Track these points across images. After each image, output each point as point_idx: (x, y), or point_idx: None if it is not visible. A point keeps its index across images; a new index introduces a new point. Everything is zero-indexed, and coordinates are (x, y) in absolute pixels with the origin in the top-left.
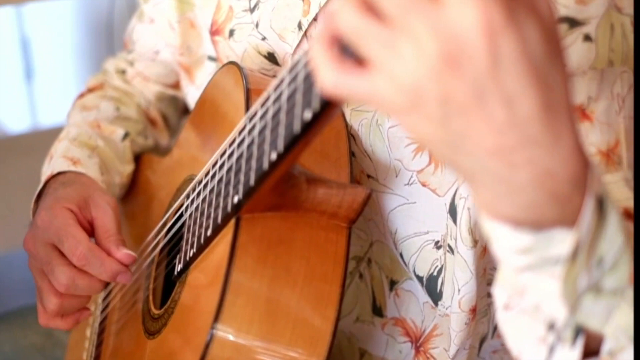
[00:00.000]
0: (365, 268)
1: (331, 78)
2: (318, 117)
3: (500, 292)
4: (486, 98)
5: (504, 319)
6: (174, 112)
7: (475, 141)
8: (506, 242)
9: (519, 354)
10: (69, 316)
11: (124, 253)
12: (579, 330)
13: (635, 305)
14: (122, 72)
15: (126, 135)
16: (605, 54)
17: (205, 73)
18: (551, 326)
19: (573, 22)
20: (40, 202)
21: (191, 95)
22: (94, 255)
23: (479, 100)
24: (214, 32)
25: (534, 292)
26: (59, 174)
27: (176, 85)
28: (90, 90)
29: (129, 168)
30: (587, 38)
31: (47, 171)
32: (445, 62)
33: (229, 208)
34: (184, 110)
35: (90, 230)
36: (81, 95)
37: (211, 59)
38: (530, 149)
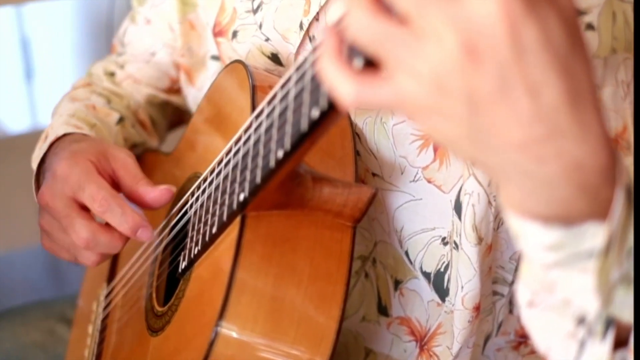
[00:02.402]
0: (370, 267)
1: (352, 92)
2: (326, 116)
3: (523, 289)
4: (511, 89)
5: (528, 316)
6: (163, 118)
7: (502, 136)
8: (535, 239)
9: (547, 350)
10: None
11: (161, 189)
12: (609, 323)
13: (635, 305)
14: (111, 75)
15: (120, 119)
16: (609, 42)
17: (208, 73)
18: (581, 321)
19: None
20: (53, 158)
21: (192, 96)
22: (115, 202)
23: (503, 92)
24: (217, 33)
25: (564, 288)
26: (64, 135)
27: (168, 90)
28: (76, 88)
29: None
30: (590, 27)
31: (46, 143)
32: (467, 55)
33: (235, 206)
34: (173, 117)
35: (111, 184)
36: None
37: (214, 58)
38: (558, 140)
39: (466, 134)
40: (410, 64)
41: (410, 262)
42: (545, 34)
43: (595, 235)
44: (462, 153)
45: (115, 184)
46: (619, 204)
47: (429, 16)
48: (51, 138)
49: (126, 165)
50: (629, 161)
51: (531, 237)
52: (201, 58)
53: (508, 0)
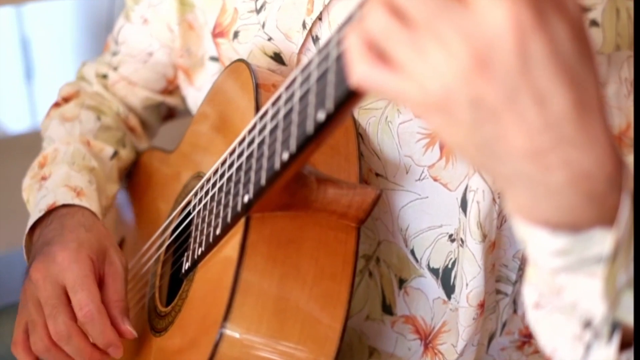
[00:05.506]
0: (374, 266)
1: (363, 70)
2: (332, 118)
3: (530, 291)
4: (518, 99)
5: (534, 317)
6: (156, 119)
7: (509, 144)
8: (542, 245)
9: (553, 352)
10: None
11: (127, 328)
12: (615, 327)
13: (635, 306)
14: (103, 77)
15: (114, 154)
16: (613, 38)
17: (207, 74)
18: (587, 324)
19: None
20: (54, 233)
21: (191, 96)
22: (99, 318)
23: (510, 102)
24: (217, 34)
25: (571, 292)
26: (63, 206)
27: (164, 91)
28: (65, 99)
29: (115, 188)
30: (594, 23)
31: (44, 199)
32: (474, 65)
33: (239, 207)
34: (165, 116)
35: (98, 282)
36: (56, 105)
37: (213, 59)
38: (565, 149)
39: (472, 142)
40: (417, 68)
41: (416, 261)
42: (554, 44)
43: (602, 241)
44: (469, 158)
45: (101, 282)
46: (626, 211)
47: (440, 25)
48: (49, 201)
49: (116, 277)
50: (631, 159)
51: (538, 243)
52: (200, 59)
53: (517, 11)
